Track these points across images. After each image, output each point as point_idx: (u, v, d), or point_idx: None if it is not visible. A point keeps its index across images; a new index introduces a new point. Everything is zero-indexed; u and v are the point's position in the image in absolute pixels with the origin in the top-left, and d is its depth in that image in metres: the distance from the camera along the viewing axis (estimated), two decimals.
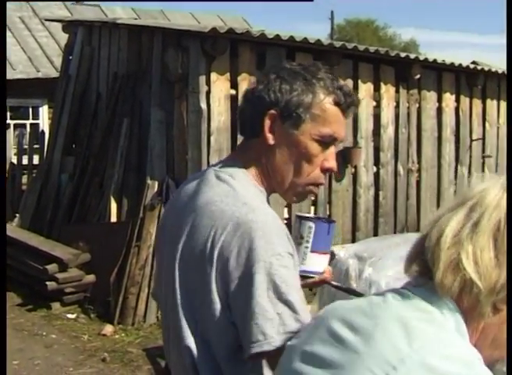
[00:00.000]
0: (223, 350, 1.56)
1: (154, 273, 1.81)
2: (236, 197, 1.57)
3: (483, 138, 9.00)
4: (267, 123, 1.63)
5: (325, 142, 1.66)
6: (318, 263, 1.87)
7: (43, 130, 10.94)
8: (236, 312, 1.52)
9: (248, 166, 1.68)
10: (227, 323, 1.54)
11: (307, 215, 1.88)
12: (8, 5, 12.86)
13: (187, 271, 1.60)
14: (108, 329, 6.10)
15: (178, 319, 1.61)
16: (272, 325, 1.46)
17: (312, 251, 1.85)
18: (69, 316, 6.51)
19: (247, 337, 1.48)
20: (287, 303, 1.48)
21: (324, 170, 1.69)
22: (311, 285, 2.01)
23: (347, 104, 1.67)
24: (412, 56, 7.98)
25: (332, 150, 1.69)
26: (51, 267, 6.52)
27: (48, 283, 6.50)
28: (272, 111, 1.63)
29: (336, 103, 1.66)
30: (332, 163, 1.69)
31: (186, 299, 1.60)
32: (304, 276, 1.81)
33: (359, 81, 7.61)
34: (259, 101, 1.65)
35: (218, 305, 1.53)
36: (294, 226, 1.90)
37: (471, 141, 8.83)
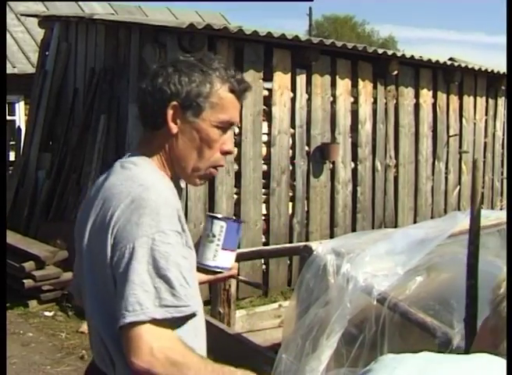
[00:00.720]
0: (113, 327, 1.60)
1: (74, 270, 1.87)
2: (133, 180, 1.67)
3: (460, 134, 9.07)
4: (169, 113, 1.74)
5: (224, 127, 1.78)
6: (227, 260, 2.01)
7: (19, 127, 10.84)
8: (114, 283, 1.60)
9: (152, 155, 1.77)
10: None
11: (218, 215, 2.02)
12: None
13: (91, 251, 1.68)
14: (86, 326, 6.06)
15: (90, 306, 1.70)
16: (148, 297, 1.53)
17: (223, 249, 1.99)
18: (47, 313, 6.46)
19: (123, 305, 1.53)
20: (165, 278, 1.55)
21: (223, 153, 1.81)
22: (222, 280, 2.15)
23: (241, 90, 1.82)
24: (390, 52, 8.02)
25: (229, 134, 1.83)
26: (28, 265, 6.47)
27: (24, 281, 6.45)
28: (174, 102, 1.73)
29: (231, 90, 1.79)
30: (230, 146, 1.83)
31: (93, 279, 1.67)
32: (215, 271, 1.99)
33: (337, 77, 7.64)
34: (160, 94, 1.74)
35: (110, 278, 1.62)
36: (205, 224, 2.01)
37: (448, 136, 8.90)
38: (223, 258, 1.99)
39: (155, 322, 1.53)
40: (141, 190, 1.63)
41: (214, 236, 1.97)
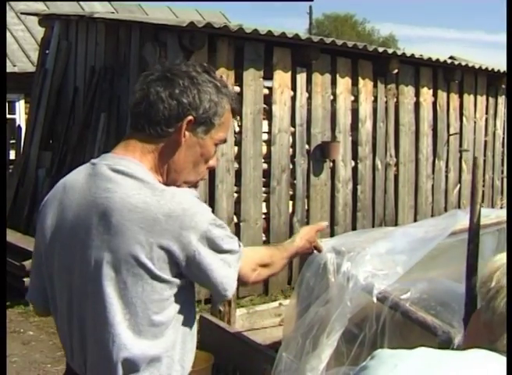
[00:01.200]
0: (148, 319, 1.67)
1: (32, 277, 1.87)
2: (149, 187, 1.68)
3: (460, 133, 9.06)
4: (184, 126, 1.75)
5: (219, 144, 1.86)
6: None
7: (19, 125, 10.83)
8: (197, 280, 1.76)
9: (144, 160, 1.76)
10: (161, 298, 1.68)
11: None
12: None
13: (120, 269, 1.64)
14: None
15: (95, 316, 1.67)
16: (226, 274, 1.75)
17: None
18: None
19: (217, 291, 1.75)
20: (222, 226, 1.75)
21: (209, 168, 1.89)
22: None
23: (236, 109, 1.88)
24: (390, 51, 8.01)
25: (216, 150, 1.88)
26: (29, 263, 6.46)
27: (25, 279, 6.44)
28: (190, 117, 1.74)
29: (233, 111, 1.86)
30: (215, 162, 1.92)
31: (119, 294, 1.65)
32: None
33: (337, 76, 7.63)
34: (176, 105, 1.73)
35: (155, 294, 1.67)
36: None
37: (449, 135, 8.90)
38: None
39: (240, 257, 1.80)
40: (169, 197, 1.67)
41: None
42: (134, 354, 1.65)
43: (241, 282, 1.88)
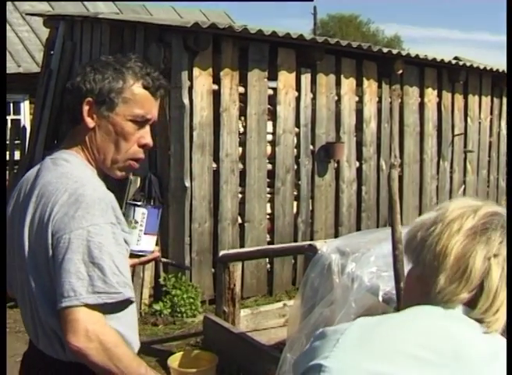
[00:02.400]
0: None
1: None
2: (68, 176, 1.79)
3: (465, 133, 9.05)
4: (85, 108, 1.86)
5: (139, 121, 1.89)
6: (150, 243, 2.16)
7: (24, 126, 10.85)
8: (54, 271, 1.72)
9: (78, 150, 1.90)
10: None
11: (138, 202, 2.15)
12: None
13: (33, 247, 1.79)
14: None
15: (33, 291, 1.79)
16: (82, 284, 1.67)
17: (145, 234, 2.13)
18: None
19: (60, 292, 1.68)
20: (98, 267, 1.69)
21: (141, 146, 1.93)
22: (146, 262, 2.27)
23: (156, 87, 1.92)
24: (394, 51, 8.00)
25: (147, 129, 1.93)
26: None
27: None
28: (89, 98, 1.86)
29: (145, 87, 1.89)
30: (147, 140, 1.93)
31: (37, 273, 1.78)
32: (139, 255, 2.13)
33: (341, 76, 7.63)
34: (77, 92, 1.87)
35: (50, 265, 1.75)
36: (127, 211, 2.14)
37: (453, 136, 8.88)
38: (146, 243, 2.14)
39: (89, 307, 1.67)
40: (77, 186, 1.75)
41: (136, 222, 2.12)
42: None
43: (64, 331, 1.68)
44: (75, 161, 1.86)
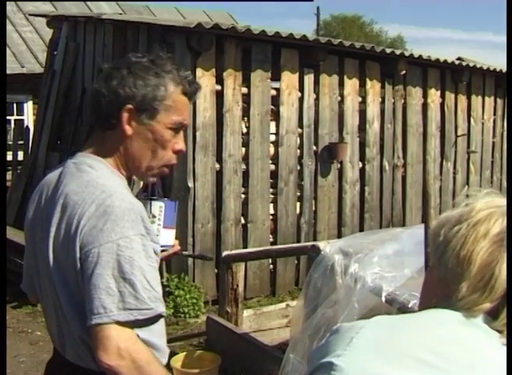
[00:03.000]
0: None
1: (24, 267, 2.03)
2: (94, 186, 1.71)
3: (468, 134, 9.04)
4: (125, 116, 1.77)
5: (176, 128, 1.84)
6: (169, 237, 2.11)
7: (27, 126, 10.88)
8: (84, 285, 1.66)
9: (106, 155, 1.82)
10: None
11: (153, 196, 2.07)
12: None
13: (58, 258, 1.73)
14: None
15: (61, 302, 1.74)
16: (112, 301, 1.61)
17: (164, 227, 2.09)
18: None
19: (90, 308, 1.62)
20: (129, 282, 1.62)
21: (175, 152, 1.88)
22: (167, 257, 2.21)
23: (193, 91, 1.87)
24: (397, 52, 7.99)
25: (181, 134, 1.88)
26: None
27: None
28: (129, 105, 1.76)
29: (184, 93, 1.83)
30: (182, 145, 1.88)
31: (64, 285, 1.72)
32: (160, 250, 2.01)
33: (345, 77, 7.63)
34: (115, 97, 1.77)
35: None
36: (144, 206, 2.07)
37: (456, 136, 8.87)
38: (166, 237, 2.09)
39: (120, 324, 1.61)
40: (104, 196, 1.68)
41: (154, 216, 2.07)
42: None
43: (96, 348, 1.62)
44: (101, 167, 1.79)
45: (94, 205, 1.67)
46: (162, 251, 2.05)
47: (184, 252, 2.40)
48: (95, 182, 1.72)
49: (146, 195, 2.14)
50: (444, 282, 1.21)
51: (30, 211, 1.91)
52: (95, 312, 1.60)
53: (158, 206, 2.08)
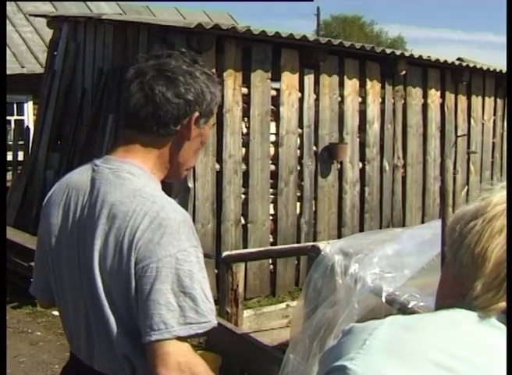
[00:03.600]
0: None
1: (36, 272, 1.96)
2: (143, 196, 1.66)
3: (468, 134, 9.04)
4: (192, 122, 1.74)
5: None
6: None
7: (28, 126, 10.88)
8: (140, 301, 1.61)
9: (145, 160, 1.75)
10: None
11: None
12: None
13: (106, 270, 1.66)
14: None
15: (96, 313, 1.69)
16: (173, 316, 1.57)
17: None
18: (55, 312, 6.46)
19: (148, 324, 1.58)
20: (190, 296, 1.59)
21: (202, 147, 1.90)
22: None
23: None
24: (398, 52, 8.00)
25: None
26: None
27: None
28: (196, 113, 1.74)
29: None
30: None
31: (112, 298, 1.67)
32: None
33: (345, 77, 7.63)
34: (185, 104, 1.72)
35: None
36: None
37: (456, 137, 8.87)
38: None
39: (180, 339, 1.58)
40: (157, 208, 1.63)
41: None
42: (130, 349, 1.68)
43: (155, 364, 1.58)
44: (139, 174, 1.72)
45: (147, 218, 1.61)
46: None
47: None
48: (142, 192, 1.67)
49: None
50: (459, 280, 1.17)
51: (52, 215, 1.82)
52: (155, 329, 1.57)
53: None
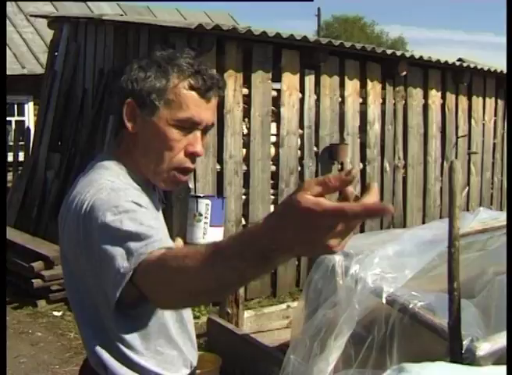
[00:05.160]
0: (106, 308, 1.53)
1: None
2: (93, 185, 1.60)
3: (469, 135, 9.04)
4: (125, 111, 1.66)
5: (185, 127, 1.66)
6: (217, 236, 1.99)
7: (28, 127, 10.89)
8: (96, 273, 1.52)
9: (122, 155, 1.71)
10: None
11: (200, 194, 1.95)
12: None
13: (68, 257, 1.66)
14: None
15: (72, 302, 1.70)
16: (122, 258, 1.42)
17: (211, 226, 1.99)
18: (55, 313, 6.48)
19: (110, 283, 1.45)
20: (124, 236, 1.45)
21: (188, 155, 1.69)
22: None
23: (206, 87, 1.67)
24: (398, 53, 8.00)
25: (196, 134, 1.69)
26: (37, 265, 6.49)
27: (33, 280, 6.46)
28: (129, 99, 1.66)
29: (192, 87, 1.66)
30: (196, 147, 1.69)
31: (76, 283, 1.66)
32: None
33: (345, 78, 7.62)
34: (120, 91, 1.69)
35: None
36: (190, 205, 2.00)
37: (457, 137, 8.87)
38: (212, 235, 1.98)
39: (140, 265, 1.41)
40: (94, 192, 1.57)
41: (201, 215, 1.97)
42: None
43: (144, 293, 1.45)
44: (114, 168, 1.68)
45: (85, 204, 1.55)
46: None
47: None
48: (95, 182, 1.61)
49: (192, 194, 2.05)
50: None
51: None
52: (114, 283, 1.43)
53: (205, 204, 1.98)
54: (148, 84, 1.65)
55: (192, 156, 1.69)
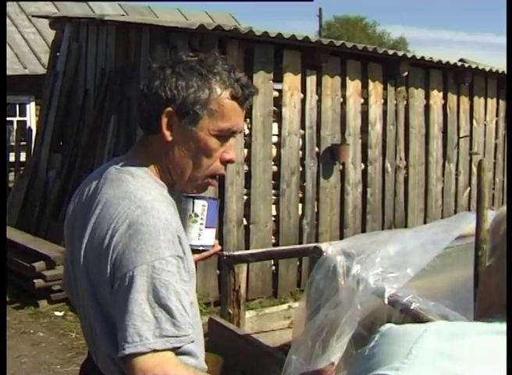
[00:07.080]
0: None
1: (64, 266, 1.91)
2: (131, 199, 1.59)
3: (470, 135, 9.03)
4: (164, 120, 1.64)
5: (224, 136, 1.68)
6: (211, 237, 2.00)
7: (30, 127, 10.89)
8: (115, 310, 1.55)
9: (149, 162, 1.69)
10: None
11: (195, 194, 1.94)
12: None
13: (89, 269, 1.64)
14: None
15: (90, 313, 1.65)
16: (148, 328, 1.48)
17: (206, 227, 1.97)
18: (57, 313, 6.48)
19: (123, 336, 1.49)
20: (166, 308, 1.50)
21: (224, 162, 1.71)
22: (207, 257, 2.07)
23: (245, 96, 1.68)
24: (400, 54, 8.00)
25: (231, 142, 1.71)
26: (39, 265, 6.49)
27: (35, 280, 6.47)
28: (169, 109, 1.63)
29: (233, 97, 1.66)
30: (231, 155, 1.71)
31: (94, 297, 1.63)
32: (200, 250, 1.94)
33: (347, 78, 7.62)
34: (156, 99, 1.64)
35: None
36: (185, 205, 1.96)
37: (459, 138, 8.87)
38: (207, 237, 1.98)
39: (157, 352, 1.50)
40: (139, 213, 1.55)
41: (197, 215, 1.95)
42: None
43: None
44: (142, 176, 1.66)
45: (127, 222, 1.54)
46: (203, 251, 1.97)
47: (225, 253, 2.29)
48: (133, 195, 1.59)
49: (187, 194, 2.03)
50: (502, 290, 1.06)
51: (69, 211, 1.81)
52: (129, 341, 1.48)
53: (201, 205, 1.95)
54: (193, 95, 1.63)
55: (227, 163, 1.73)
